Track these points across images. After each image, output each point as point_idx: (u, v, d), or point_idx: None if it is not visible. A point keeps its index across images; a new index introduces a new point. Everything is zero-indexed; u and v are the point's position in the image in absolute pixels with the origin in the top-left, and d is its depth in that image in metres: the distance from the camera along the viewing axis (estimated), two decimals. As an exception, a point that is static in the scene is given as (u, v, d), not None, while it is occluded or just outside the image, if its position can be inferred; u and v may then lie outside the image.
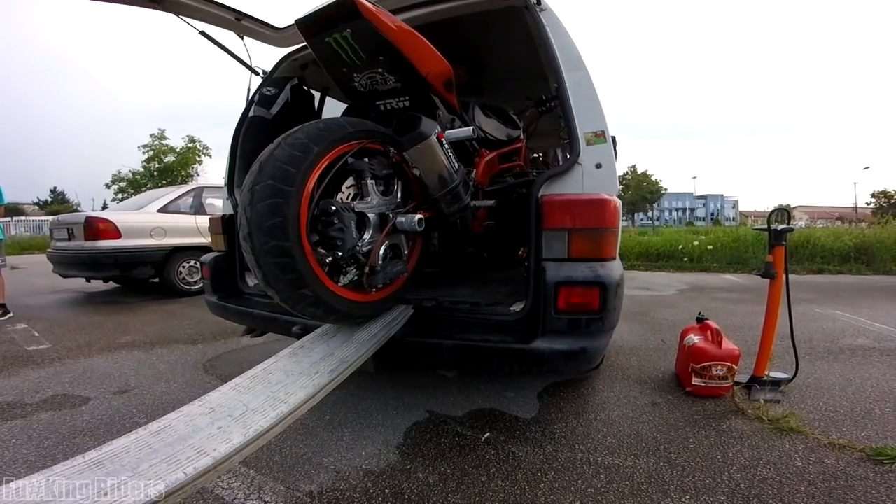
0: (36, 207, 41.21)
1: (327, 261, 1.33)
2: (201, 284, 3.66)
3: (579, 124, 1.61)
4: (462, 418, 1.97)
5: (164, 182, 20.07)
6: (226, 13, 2.15)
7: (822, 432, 1.81)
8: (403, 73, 1.51)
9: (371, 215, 1.44)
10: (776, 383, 2.17)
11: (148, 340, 3.30)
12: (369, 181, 1.44)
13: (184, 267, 5.27)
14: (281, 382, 1.26)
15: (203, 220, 5.19)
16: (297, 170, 1.20)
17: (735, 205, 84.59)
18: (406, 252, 1.65)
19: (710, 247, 8.45)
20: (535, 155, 4.45)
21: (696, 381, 2.10)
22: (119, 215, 5.12)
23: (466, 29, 2.24)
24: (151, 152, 21.20)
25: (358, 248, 1.38)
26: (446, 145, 1.49)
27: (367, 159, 1.44)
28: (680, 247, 8.71)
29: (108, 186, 21.80)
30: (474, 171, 1.89)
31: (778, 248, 2.14)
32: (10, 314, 4.10)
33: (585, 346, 1.47)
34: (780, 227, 2.14)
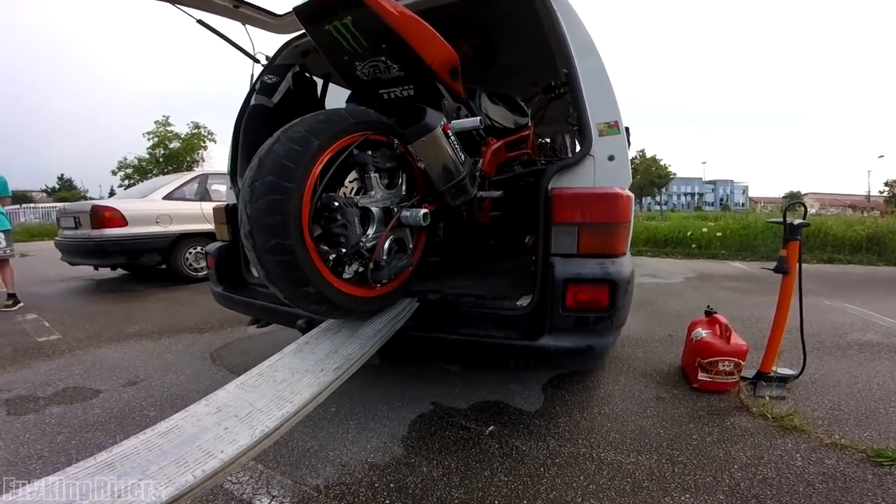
0: (44, 195, 41.55)
1: (331, 257, 1.31)
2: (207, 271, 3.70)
3: (591, 115, 1.55)
4: (466, 411, 1.99)
5: (170, 168, 20.13)
6: (223, 0, 2.10)
7: (826, 431, 1.80)
8: (407, 61, 1.47)
9: (375, 209, 1.42)
10: (783, 380, 2.15)
11: (156, 330, 3.34)
12: (373, 175, 1.41)
13: (190, 253, 5.30)
14: (286, 381, 1.27)
15: (208, 207, 5.19)
16: (297, 165, 1.17)
17: (745, 191, 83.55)
18: (411, 246, 1.62)
19: (718, 234, 8.37)
20: (543, 140, 4.38)
21: (702, 375, 2.09)
22: (125, 203, 5.14)
23: (473, 10, 2.18)
24: (156, 139, 21.20)
25: (362, 243, 1.36)
26: (452, 137, 1.45)
27: (370, 152, 1.41)
28: (689, 233, 8.64)
29: (114, 173, 21.94)
30: (480, 160, 1.84)
31: (792, 242, 2.09)
32: (21, 304, 4.16)
33: (592, 343, 1.47)
34: (797, 221, 2.08)
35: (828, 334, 3.13)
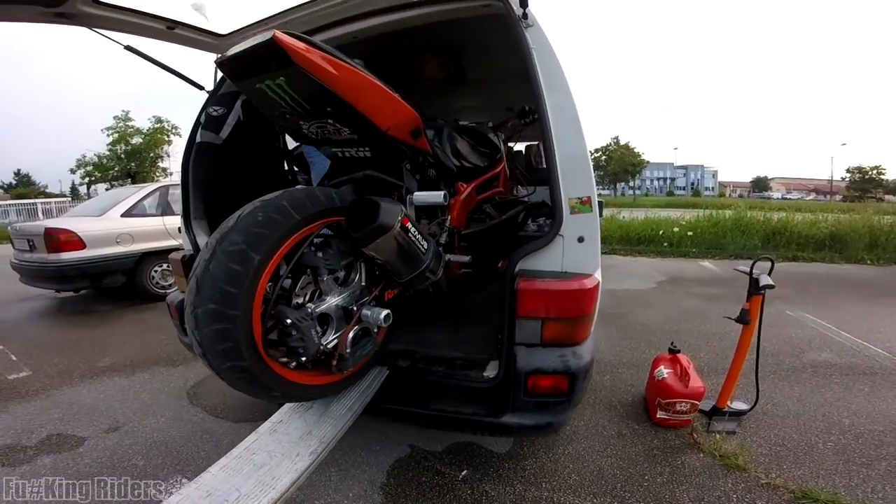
0: (1, 191, 39.47)
1: (291, 366, 1.28)
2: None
3: (564, 188, 1.48)
4: (441, 454, 2.07)
5: (133, 164, 19.48)
6: (154, 23, 1.87)
7: (764, 470, 1.93)
8: (357, 125, 1.32)
9: (333, 311, 1.35)
10: (735, 414, 2.26)
11: (128, 363, 3.28)
12: (326, 277, 1.32)
13: (156, 271, 5.11)
14: (266, 465, 1.33)
15: (171, 221, 5.01)
16: (239, 289, 1.08)
17: (715, 175, 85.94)
18: (375, 330, 1.50)
19: (689, 233, 8.65)
20: (517, 150, 4.31)
21: (660, 413, 2.23)
22: (81, 224, 4.83)
23: (442, 30, 1.99)
24: (116, 135, 20.40)
25: (322, 348, 1.30)
26: (413, 229, 1.36)
27: (320, 254, 1.31)
28: (661, 232, 8.89)
29: (73, 171, 21.11)
30: (448, 217, 1.77)
31: (756, 297, 2.14)
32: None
33: (552, 421, 1.57)
34: (762, 281, 2.09)
35: (786, 354, 3.23)
